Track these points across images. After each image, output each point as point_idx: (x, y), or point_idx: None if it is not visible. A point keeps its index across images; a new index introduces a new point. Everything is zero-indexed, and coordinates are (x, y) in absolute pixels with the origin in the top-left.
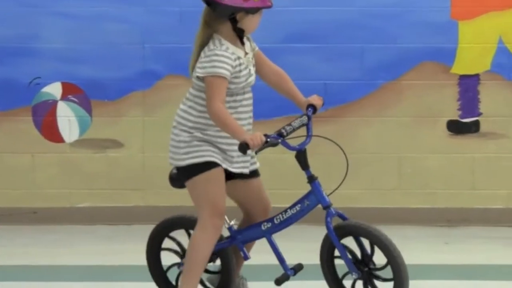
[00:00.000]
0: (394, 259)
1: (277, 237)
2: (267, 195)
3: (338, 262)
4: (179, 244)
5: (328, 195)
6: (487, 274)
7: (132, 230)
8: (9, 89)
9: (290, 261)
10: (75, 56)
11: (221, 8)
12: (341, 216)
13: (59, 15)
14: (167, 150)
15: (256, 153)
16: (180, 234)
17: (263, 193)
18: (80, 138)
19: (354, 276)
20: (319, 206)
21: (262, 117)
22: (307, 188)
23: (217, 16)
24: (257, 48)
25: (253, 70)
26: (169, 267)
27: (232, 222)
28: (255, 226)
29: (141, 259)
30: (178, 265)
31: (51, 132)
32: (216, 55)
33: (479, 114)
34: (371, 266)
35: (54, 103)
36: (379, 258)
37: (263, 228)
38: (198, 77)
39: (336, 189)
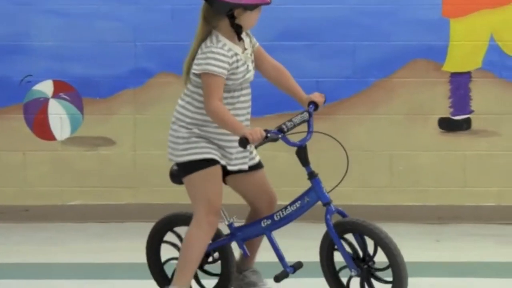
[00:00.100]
0: (394, 257)
1: (276, 235)
2: (272, 188)
3: (338, 260)
4: (181, 239)
5: (328, 192)
6: (479, 271)
7: (123, 228)
8: (0, 87)
9: (289, 258)
10: (66, 54)
11: (219, 4)
12: (340, 213)
13: (51, 13)
14: (158, 148)
15: (256, 147)
16: (182, 231)
17: (267, 186)
18: (71, 136)
19: (353, 273)
20: (319, 204)
21: (254, 114)
22: (299, 185)
23: (215, 13)
24: (257, 44)
25: (251, 66)
26: (166, 261)
27: (232, 219)
28: (255, 223)
29: (133, 257)
30: (177, 259)
31: (42, 130)
32: (212, 52)
33: (471, 112)
34: (371, 264)
35: (45, 101)
36: (379, 258)
37: (263, 225)
38: (195, 74)
39: (336, 186)
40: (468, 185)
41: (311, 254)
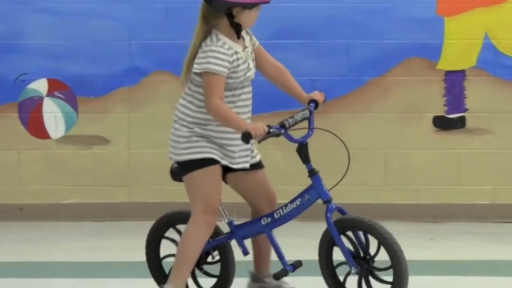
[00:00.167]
0: (394, 253)
1: (276, 233)
2: (272, 187)
3: (336, 258)
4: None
5: (329, 190)
6: (473, 269)
7: (118, 227)
8: None
9: (289, 257)
10: (61, 52)
11: (217, 3)
12: (340, 211)
13: (45, 11)
14: (153, 147)
15: (259, 142)
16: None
17: (267, 185)
18: (66, 134)
19: (353, 270)
20: (319, 202)
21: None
22: (294, 183)
23: (213, 12)
24: (257, 43)
25: (252, 65)
26: (164, 257)
27: (232, 217)
28: (255, 221)
29: (128, 256)
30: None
31: (37, 128)
32: (212, 51)
33: (465, 110)
34: (371, 263)
35: (40, 100)
36: (379, 258)
37: (263, 223)
38: (195, 73)
39: (337, 184)
40: (463, 184)
41: (310, 252)
